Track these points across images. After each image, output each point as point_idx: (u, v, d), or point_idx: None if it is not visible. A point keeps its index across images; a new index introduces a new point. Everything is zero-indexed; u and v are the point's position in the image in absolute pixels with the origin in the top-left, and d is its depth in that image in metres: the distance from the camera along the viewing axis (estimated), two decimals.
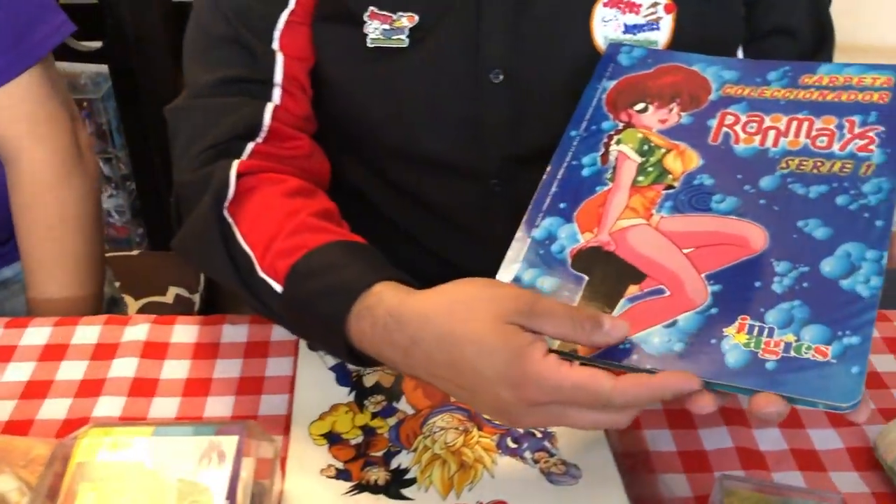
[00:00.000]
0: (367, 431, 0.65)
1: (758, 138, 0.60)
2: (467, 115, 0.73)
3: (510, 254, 0.59)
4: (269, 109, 0.71)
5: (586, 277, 0.56)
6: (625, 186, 0.60)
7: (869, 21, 2.69)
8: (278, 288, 0.62)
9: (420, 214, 0.80)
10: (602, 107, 0.66)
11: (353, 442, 0.65)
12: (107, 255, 1.32)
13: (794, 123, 0.60)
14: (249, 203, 0.67)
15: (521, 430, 0.65)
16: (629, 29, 0.71)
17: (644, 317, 0.53)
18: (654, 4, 0.71)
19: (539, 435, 0.65)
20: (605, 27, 0.72)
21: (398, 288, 0.57)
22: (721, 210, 0.57)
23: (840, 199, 0.55)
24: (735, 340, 0.51)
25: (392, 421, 0.66)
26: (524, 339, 0.50)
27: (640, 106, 0.65)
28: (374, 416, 0.67)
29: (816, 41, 0.80)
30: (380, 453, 0.64)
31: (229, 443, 0.57)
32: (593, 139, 0.64)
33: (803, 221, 0.55)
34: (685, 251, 0.56)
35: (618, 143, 0.63)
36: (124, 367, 0.71)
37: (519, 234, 0.60)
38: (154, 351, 0.73)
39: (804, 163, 0.58)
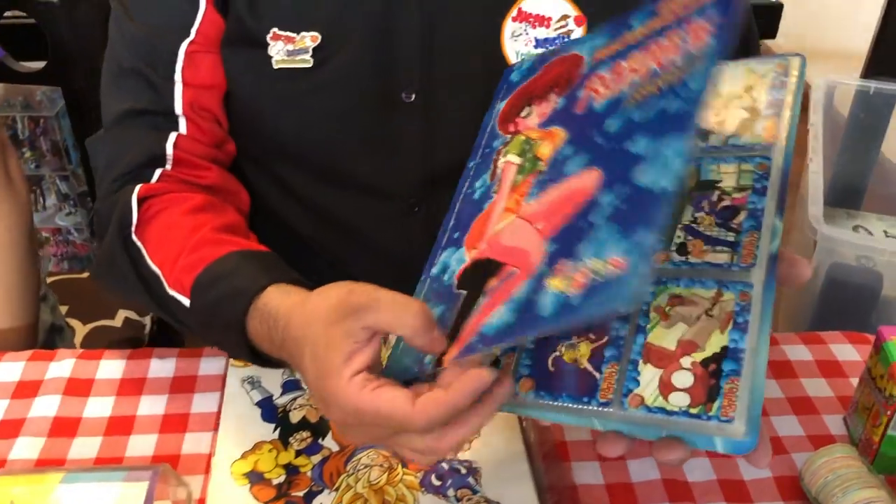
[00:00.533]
0: (290, 470, 0.64)
1: (617, 87, 0.57)
2: (380, 134, 0.74)
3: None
4: (171, 140, 0.73)
5: (463, 293, 0.54)
6: (506, 192, 0.59)
7: (833, 25, 2.72)
8: (186, 302, 0.64)
9: (339, 236, 0.80)
10: (495, 128, 0.64)
11: (275, 482, 0.63)
12: (55, 277, 1.32)
13: (645, 54, 0.56)
14: (155, 225, 0.69)
15: (445, 467, 0.64)
16: (540, 43, 0.71)
17: (496, 303, 0.51)
18: (564, 17, 0.71)
19: (463, 471, 0.64)
20: (516, 42, 0.72)
21: (285, 290, 0.59)
22: (570, 172, 0.54)
23: (665, 105, 0.51)
24: (551, 289, 0.48)
25: (316, 459, 0.65)
26: (339, 356, 0.49)
27: (525, 112, 0.63)
28: (298, 453, 0.66)
29: (741, 49, 0.80)
30: (301, 493, 0.62)
31: (138, 490, 0.56)
32: (485, 162, 0.63)
33: (630, 142, 0.51)
34: (537, 226, 0.53)
35: (505, 154, 0.62)
36: (46, 406, 0.70)
37: (423, 277, 0.59)
38: (78, 388, 0.72)
39: (645, 88, 0.54)
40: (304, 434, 0.67)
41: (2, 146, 0.91)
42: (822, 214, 0.96)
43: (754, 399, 0.46)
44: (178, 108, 0.73)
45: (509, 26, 0.73)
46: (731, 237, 0.54)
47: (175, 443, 0.67)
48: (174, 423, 0.69)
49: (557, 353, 0.53)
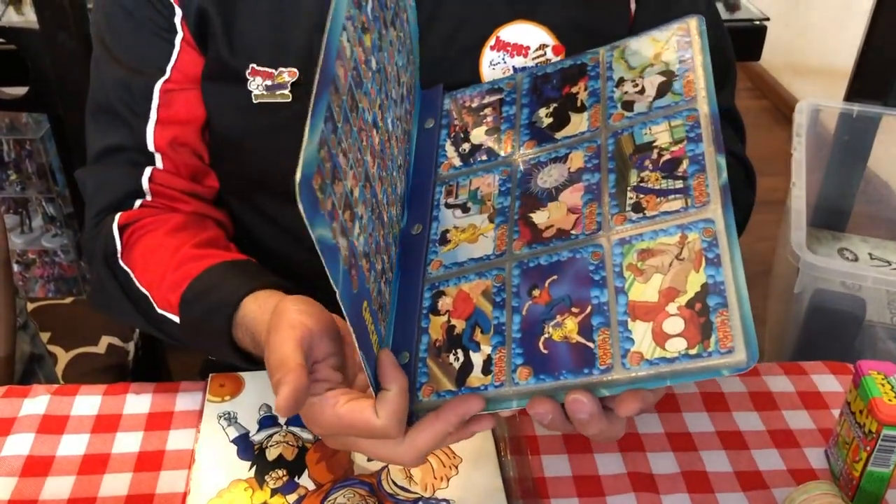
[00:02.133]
0: None
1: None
2: None
3: None
4: (146, 175, 0.75)
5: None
6: None
7: (818, 44, 2.73)
8: (176, 319, 0.68)
9: (318, 263, 0.80)
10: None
11: None
12: (37, 304, 1.31)
13: None
14: (139, 248, 0.73)
15: None
16: (518, 72, 0.71)
17: None
18: (543, 46, 0.72)
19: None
20: (494, 71, 0.74)
21: (260, 299, 0.63)
22: None
23: None
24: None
25: (292, 498, 0.64)
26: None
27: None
28: (274, 492, 0.65)
29: (719, 78, 0.80)
30: None
31: None
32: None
33: None
34: None
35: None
36: (18, 445, 0.69)
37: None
38: (52, 425, 0.71)
39: None
40: (281, 472, 0.66)
41: None
42: (807, 237, 0.96)
43: (746, 322, 0.49)
44: (152, 145, 0.75)
45: (487, 55, 0.73)
46: (679, 184, 0.56)
47: (150, 482, 0.67)
48: (149, 461, 0.68)
49: (546, 336, 0.54)
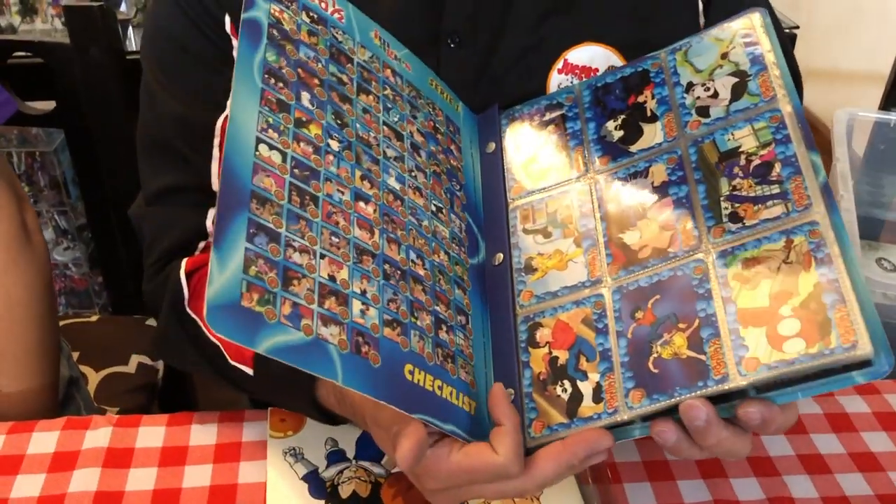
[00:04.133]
0: None
1: None
2: None
3: None
4: (210, 216, 0.72)
5: None
6: None
7: (847, 48, 2.73)
8: (249, 371, 0.65)
9: None
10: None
11: None
12: (63, 322, 1.28)
13: None
14: None
15: None
16: (574, 84, 0.70)
17: None
18: (612, 68, 0.70)
19: None
20: None
21: None
22: None
23: None
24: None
25: None
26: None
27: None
28: None
29: None
30: None
31: None
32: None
33: None
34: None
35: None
36: (85, 480, 0.67)
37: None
38: (118, 459, 0.69)
39: None
40: None
41: (18, 199, 0.88)
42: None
43: (868, 317, 0.47)
44: (216, 184, 0.71)
45: (555, 79, 0.72)
46: (776, 189, 0.55)
47: None
48: (222, 496, 0.66)
49: (655, 355, 0.52)
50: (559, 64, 0.71)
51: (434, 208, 0.62)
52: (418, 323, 0.55)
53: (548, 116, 0.68)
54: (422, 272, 0.57)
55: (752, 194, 0.55)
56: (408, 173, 0.61)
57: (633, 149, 0.62)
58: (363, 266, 0.53)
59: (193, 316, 0.69)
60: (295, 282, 0.48)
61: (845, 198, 1.04)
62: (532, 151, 0.67)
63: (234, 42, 0.70)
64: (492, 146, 0.69)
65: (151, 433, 0.72)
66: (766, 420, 0.49)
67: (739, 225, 0.55)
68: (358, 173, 0.57)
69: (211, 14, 0.70)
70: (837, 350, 0.46)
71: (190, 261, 0.71)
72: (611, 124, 0.64)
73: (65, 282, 1.86)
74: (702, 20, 0.75)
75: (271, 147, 0.52)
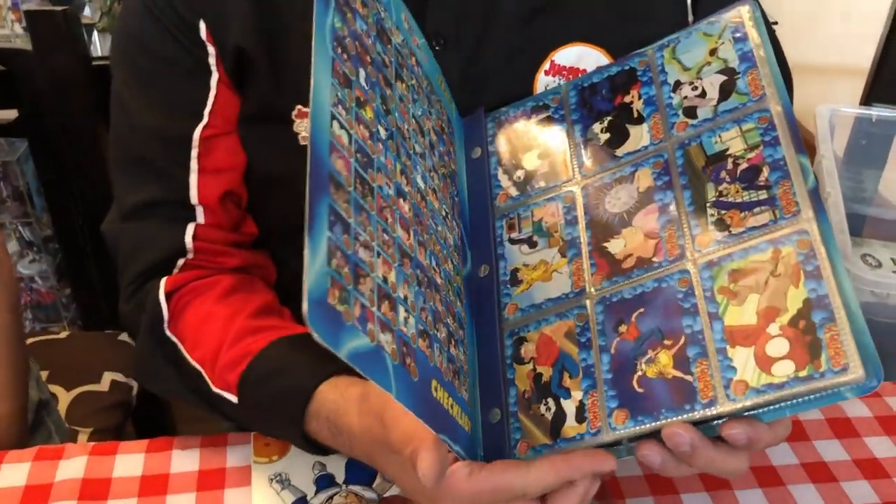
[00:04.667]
0: None
1: None
2: None
3: None
4: (189, 232, 0.68)
5: None
6: None
7: (827, 43, 2.74)
8: (234, 399, 0.62)
9: None
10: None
11: None
12: (31, 340, 1.23)
13: None
14: (188, 317, 0.66)
15: None
16: (561, 84, 0.68)
17: None
18: (600, 69, 0.68)
19: None
20: None
21: (338, 388, 0.58)
22: None
23: None
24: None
25: None
26: None
27: None
28: None
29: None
30: None
31: None
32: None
33: None
34: None
35: None
36: None
37: None
38: (94, 491, 0.65)
39: None
40: None
41: None
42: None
43: (859, 336, 0.45)
44: (195, 197, 0.68)
45: (542, 80, 0.69)
46: (763, 195, 0.52)
47: None
48: None
49: (640, 373, 0.50)
50: (546, 65, 0.69)
51: (444, 213, 0.59)
52: (439, 335, 0.52)
53: (534, 119, 0.65)
54: (439, 280, 0.54)
55: (739, 200, 0.53)
56: (429, 172, 0.58)
57: (619, 152, 0.60)
58: (405, 269, 0.49)
59: (174, 339, 0.66)
60: (362, 280, 0.44)
61: (832, 195, 1.03)
62: (517, 157, 0.65)
63: (210, 49, 0.67)
64: (477, 151, 0.66)
65: (129, 461, 0.68)
66: (752, 440, 0.47)
67: (726, 233, 0.52)
68: (398, 166, 0.53)
69: (185, 20, 0.66)
70: (828, 374, 0.45)
71: (169, 280, 0.68)
72: (597, 126, 0.62)
73: (31, 295, 1.81)
74: (690, 17, 0.73)
75: (341, 125, 0.47)
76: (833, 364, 0.45)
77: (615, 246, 0.56)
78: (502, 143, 0.66)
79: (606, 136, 0.61)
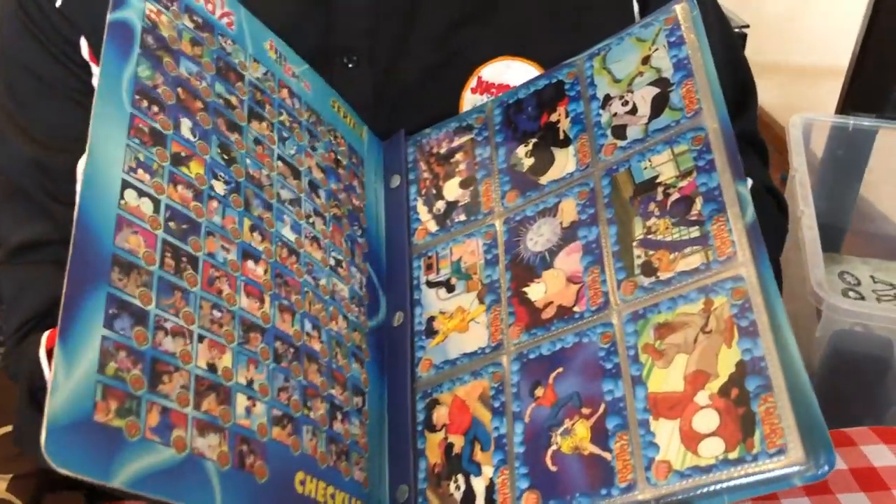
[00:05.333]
0: None
1: None
2: None
3: None
4: None
5: None
6: None
7: (800, 45, 2.68)
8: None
9: None
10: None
11: None
12: None
13: None
14: None
15: None
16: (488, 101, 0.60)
17: None
18: None
19: None
20: None
21: None
22: None
23: None
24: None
25: None
26: None
27: None
28: None
29: (738, 103, 0.70)
30: None
31: None
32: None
33: None
34: None
35: None
36: None
37: None
38: None
39: None
40: None
41: None
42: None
43: (802, 409, 0.38)
44: None
45: (469, 99, 0.62)
46: (696, 232, 0.45)
47: None
48: None
49: (554, 447, 0.43)
50: (472, 82, 0.61)
51: (333, 262, 0.51)
52: (311, 415, 0.44)
53: (456, 142, 0.58)
54: (318, 347, 0.47)
55: (669, 238, 0.46)
56: (305, 220, 0.50)
57: (543, 180, 0.53)
58: (250, 347, 0.42)
59: None
60: (166, 378, 0.38)
61: (806, 214, 0.95)
62: (438, 185, 0.57)
63: (95, 69, 0.59)
64: (396, 180, 0.59)
65: None
66: None
67: (653, 279, 0.45)
68: (247, 223, 0.46)
69: (64, 37, 0.59)
70: (761, 456, 0.38)
71: (52, 334, 0.60)
72: (521, 150, 0.55)
73: None
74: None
75: (141, 193, 0.41)
76: (768, 445, 0.38)
77: (535, 292, 0.49)
78: (423, 170, 0.58)
79: (531, 161, 0.54)
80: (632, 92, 0.51)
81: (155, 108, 0.43)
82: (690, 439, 0.40)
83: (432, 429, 0.48)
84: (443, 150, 0.58)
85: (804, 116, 1.15)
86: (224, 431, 0.39)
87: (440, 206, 0.56)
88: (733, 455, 0.38)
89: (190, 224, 0.42)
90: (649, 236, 0.46)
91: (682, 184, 0.47)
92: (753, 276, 0.42)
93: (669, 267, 0.45)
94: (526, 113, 0.56)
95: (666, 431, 0.41)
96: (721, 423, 0.39)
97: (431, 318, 0.52)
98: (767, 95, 2.67)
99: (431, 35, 0.61)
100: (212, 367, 0.40)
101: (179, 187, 0.43)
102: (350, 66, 0.60)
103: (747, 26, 1.29)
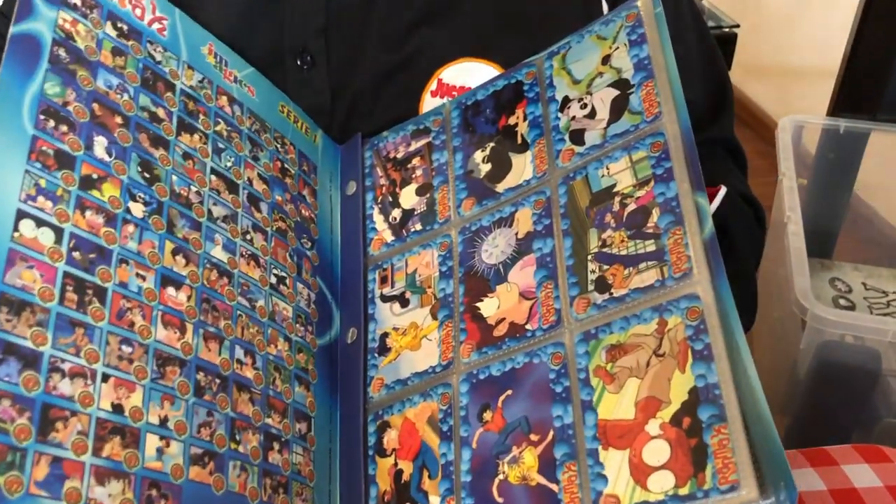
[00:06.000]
0: None
1: None
2: None
3: None
4: None
5: None
6: None
7: (793, 47, 2.65)
8: None
9: None
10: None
11: None
12: None
13: None
14: None
15: None
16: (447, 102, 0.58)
17: None
18: None
19: None
20: None
21: None
22: None
23: None
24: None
25: None
26: None
27: None
28: None
29: (714, 108, 0.68)
30: None
31: None
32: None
33: None
34: None
35: None
36: None
37: None
38: None
39: None
40: None
41: None
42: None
43: (759, 440, 0.35)
44: None
45: (429, 102, 0.59)
46: (651, 246, 0.42)
47: None
48: None
49: (501, 477, 0.40)
50: (432, 85, 0.58)
51: (274, 280, 0.48)
52: (240, 449, 0.41)
53: (413, 146, 0.55)
54: (251, 374, 0.44)
55: (623, 252, 0.43)
56: (241, 237, 0.47)
57: (500, 188, 0.50)
58: (165, 383, 0.40)
59: None
60: (59, 425, 0.35)
61: (793, 219, 0.92)
62: (395, 192, 0.54)
63: None
64: (352, 187, 0.56)
65: None
66: None
67: (607, 296, 0.42)
68: (169, 247, 0.43)
69: None
70: (713, 492, 0.34)
71: None
72: (479, 155, 0.52)
73: None
74: None
75: (40, 223, 0.38)
76: (719, 480, 0.34)
77: (488, 307, 0.46)
78: (379, 176, 0.55)
79: (488, 167, 0.51)
80: (591, 94, 0.48)
81: (63, 128, 0.40)
82: (640, 472, 0.37)
83: (383, 453, 0.46)
84: (400, 155, 0.55)
85: (794, 118, 1.12)
86: (129, 477, 0.36)
87: (396, 214, 0.53)
88: (683, 491, 0.35)
89: (98, 252, 0.39)
90: (604, 249, 0.43)
91: (640, 193, 0.43)
92: (710, 296, 0.38)
93: (624, 283, 0.42)
94: (484, 115, 0.53)
95: (615, 463, 0.38)
96: (672, 455, 0.36)
97: (385, 335, 0.50)
98: (764, 96, 2.64)
99: (387, 35, 0.58)
100: (117, 408, 0.37)
101: (88, 213, 0.40)
102: (304, 67, 0.57)
103: (737, 26, 1.26)
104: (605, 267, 0.43)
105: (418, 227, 0.52)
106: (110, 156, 0.42)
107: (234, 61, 0.52)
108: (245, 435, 0.42)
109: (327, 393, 0.49)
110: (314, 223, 0.54)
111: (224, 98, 0.50)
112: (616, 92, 0.47)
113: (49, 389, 0.35)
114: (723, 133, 0.67)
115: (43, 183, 0.38)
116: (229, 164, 0.49)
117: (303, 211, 0.53)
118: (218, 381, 0.42)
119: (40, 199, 0.38)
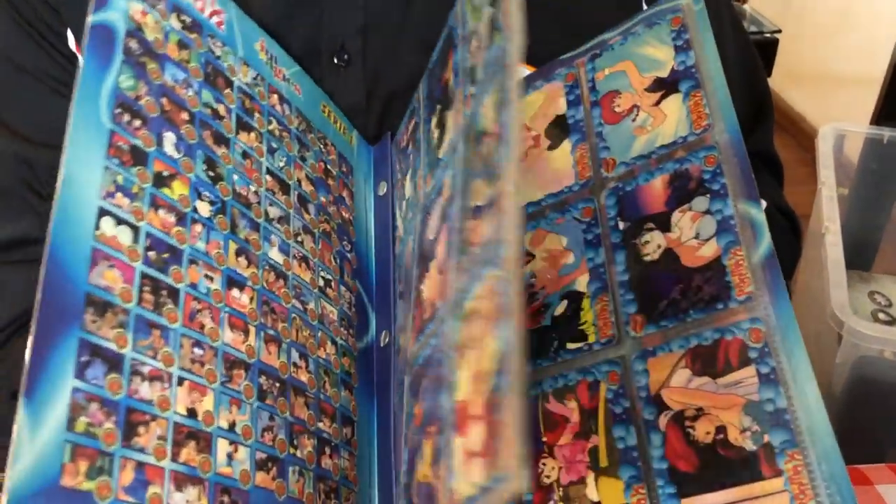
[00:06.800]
0: None
1: None
2: None
3: None
4: None
5: None
6: None
7: (835, 54, 2.60)
8: None
9: None
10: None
11: None
12: None
13: None
14: None
15: None
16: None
17: None
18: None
19: None
20: None
21: None
22: None
23: None
24: None
25: None
26: None
27: None
28: None
29: (753, 115, 0.66)
30: None
31: None
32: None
33: None
34: None
35: None
36: None
37: None
38: None
39: None
40: None
41: None
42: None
43: (824, 459, 0.34)
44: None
45: None
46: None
47: None
48: None
49: (418, 476, 0.39)
50: None
51: (322, 282, 0.48)
52: (298, 454, 0.41)
53: (409, 131, 0.54)
54: (305, 378, 0.44)
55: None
56: (293, 238, 0.47)
57: (442, 153, 0.47)
58: (233, 386, 0.39)
59: None
60: (142, 430, 0.34)
61: (831, 230, 0.90)
62: (402, 185, 0.53)
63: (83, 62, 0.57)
64: (383, 187, 0.55)
65: None
66: None
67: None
68: (233, 247, 0.42)
69: (50, 27, 0.57)
70: (498, 482, 0.28)
71: None
72: (433, 121, 0.50)
73: None
74: None
75: (119, 221, 0.37)
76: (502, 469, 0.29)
77: (427, 289, 0.43)
78: (398, 172, 0.55)
79: (437, 132, 0.46)
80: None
81: (137, 123, 0.39)
82: (466, 461, 0.30)
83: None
84: (403, 144, 0.54)
85: (836, 127, 1.09)
86: (204, 483, 0.36)
87: (403, 207, 0.52)
88: (486, 483, 0.29)
89: (171, 252, 0.38)
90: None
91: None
92: (773, 319, 0.37)
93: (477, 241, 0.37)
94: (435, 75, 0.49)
95: (459, 453, 0.32)
96: (484, 436, 0.29)
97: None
98: (804, 103, 2.60)
99: (425, 36, 0.57)
100: (191, 413, 0.36)
101: (161, 211, 0.39)
102: (341, 66, 0.57)
103: (779, 31, 1.24)
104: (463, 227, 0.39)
105: (410, 216, 0.50)
106: (179, 153, 0.41)
107: (282, 59, 0.52)
108: (301, 439, 0.42)
109: (366, 398, 0.48)
110: (352, 225, 0.53)
111: (275, 96, 0.50)
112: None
113: (131, 393, 0.34)
114: (761, 145, 0.65)
115: (120, 179, 0.37)
116: (282, 165, 0.48)
117: (343, 213, 0.53)
118: (278, 384, 0.42)
119: (118, 196, 0.37)
